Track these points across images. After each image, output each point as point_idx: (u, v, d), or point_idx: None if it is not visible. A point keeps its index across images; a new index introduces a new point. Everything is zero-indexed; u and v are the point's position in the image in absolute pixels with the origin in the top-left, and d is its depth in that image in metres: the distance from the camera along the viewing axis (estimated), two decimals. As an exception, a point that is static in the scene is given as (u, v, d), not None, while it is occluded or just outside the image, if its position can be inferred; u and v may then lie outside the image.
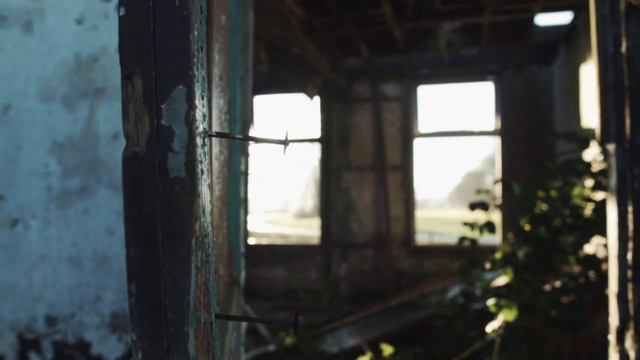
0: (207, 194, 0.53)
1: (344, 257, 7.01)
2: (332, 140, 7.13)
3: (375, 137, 6.99)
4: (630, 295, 1.37)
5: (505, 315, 2.33)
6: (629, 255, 1.37)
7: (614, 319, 1.45)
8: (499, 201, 6.37)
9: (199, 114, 0.49)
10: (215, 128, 0.98)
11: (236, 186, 1.40)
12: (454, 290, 5.32)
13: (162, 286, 0.44)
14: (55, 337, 1.68)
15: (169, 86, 0.45)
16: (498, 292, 3.18)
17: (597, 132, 1.49)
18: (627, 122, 1.39)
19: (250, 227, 7.72)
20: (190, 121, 0.45)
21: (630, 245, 1.37)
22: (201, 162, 0.50)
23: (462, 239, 3.66)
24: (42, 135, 1.72)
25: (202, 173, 0.49)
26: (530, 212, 3.10)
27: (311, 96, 6.62)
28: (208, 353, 0.49)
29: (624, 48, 1.40)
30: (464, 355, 2.82)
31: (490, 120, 6.86)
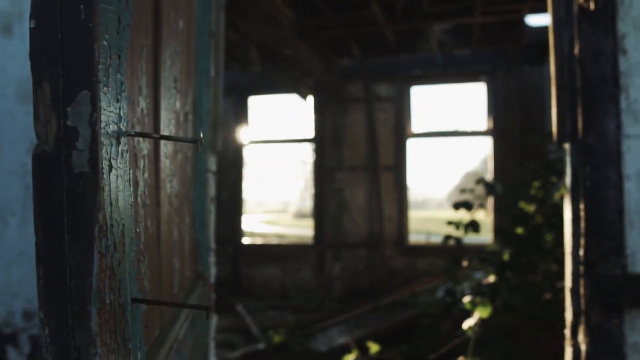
0: (122, 188, 0.58)
1: (338, 256, 7.06)
2: (325, 141, 7.18)
3: (368, 137, 7.03)
4: (582, 291, 1.42)
5: (480, 313, 2.38)
6: (581, 252, 1.42)
7: (568, 314, 1.50)
8: (490, 200, 6.42)
9: (109, 115, 0.54)
10: (168, 129, 1.03)
11: (202, 185, 1.45)
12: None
13: (67, 270, 0.49)
14: (32, 331, 1.73)
15: (74, 91, 0.50)
16: (479, 291, 3.23)
17: (554, 131, 1.54)
18: (580, 122, 1.44)
19: (246, 227, 7.78)
20: (94, 122, 0.50)
21: (582, 242, 1.42)
22: (112, 158, 0.55)
23: (447, 237, 3.71)
24: (20, 136, 1.78)
25: (112, 169, 0.54)
26: (510, 211, 3.15)
27: (304, 97, 6.67)
28: (116, 332, 0.54)
29: (576, 50, 1.44)
30: (442, 351, 2.87)
31: (483, 120, 6.93)
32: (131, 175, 0.64)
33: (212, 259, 1.62)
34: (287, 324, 5.09)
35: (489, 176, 6.80)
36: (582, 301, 1.41)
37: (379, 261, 6.88)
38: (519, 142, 6.56)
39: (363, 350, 4.23)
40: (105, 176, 0.52)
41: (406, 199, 7.11)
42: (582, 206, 1.42)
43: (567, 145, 1.50)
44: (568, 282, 1.50)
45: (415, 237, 9.16)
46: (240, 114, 7.45)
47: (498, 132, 6.71)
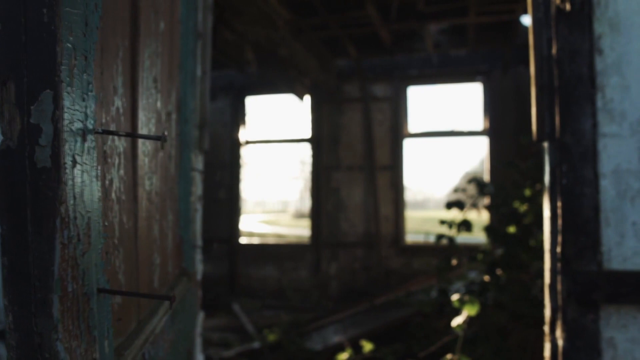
0: (89, 182, 0.61)
1: (334, 256, 7.09)
2: (322, 141, 7.21)
3: (365, 137, 7.06)
4: (559, 287, 1.44)
5: (468, 311, 2.41)
6: (558, 249, 1.44)
7: (547, 310, 1.53)
8: (487, 200, 6.44)
9: (73, 113, 0.57)
10: (147, 127, 1.05)
11: (187, 183, 1.48)
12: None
13: (31, 259, 0.52)
14: (23, 327, 1.76)
15: (37, 90, 0.53)
16: (470, 289, 3.26)
17: (534, 130, 1.56)
18: (557, 121, 1.46)
19: (243, 226, 7.81)
20: (56, 120, 0.53)
21: (559, 239, 1.44)
22: (77, 154, 0.57)
23: (440, 237, 3.74)
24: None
25: (76, 164, 0.57)
26: (500, 211, 3.17)
27: (301, 97, 6.70)
28: (79, 319, 0.56)
29: (554, 50, 1.47)
30: (432, 350, 2.90)
31: (479, 120, 6.97)
32: (99, 171, 0.67)
33: (198, 256, 1.64)
34: (283, 323, 5.12)
35: (486, 176, 6.83)
36: (559, 297, 1.44)
37: (375, 261, 6.91)
38: (514, 141, 6.58)
39: (357, 349, 4.25)
40: (68, 171, 0.55)
41: (403, 198, 7.14)
42: (559, 204, 1.45)
43: (545, 144, 1.53)
44: (547, 278, 1.52)
45: (415, 237, 9.18)
46: (237, 114, 7.48)
47: (494, 131, 6.74)
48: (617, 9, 1.42)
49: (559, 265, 1.44)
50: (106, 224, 0.73)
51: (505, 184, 3.79)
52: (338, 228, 7.13)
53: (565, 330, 1.42)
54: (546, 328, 1.54)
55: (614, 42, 1.42)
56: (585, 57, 1.44)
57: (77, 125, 0.58)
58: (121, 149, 0.87)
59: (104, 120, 0.77)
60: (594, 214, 1.41)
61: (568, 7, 1.42)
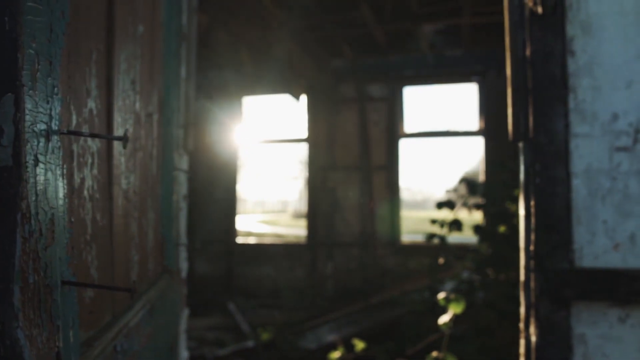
0: (53, 180, 0.65)
1: (330, 256, 7.12)
2: (318, 141, 7.24)
3: (360, 137, 7.10)
4: (532, 284, 1.48)
5: (454, 309, 2.44)
6: (532, 247, 1.48)
7: (522, 307, 1.56)
8: (479, 200, 6.47)
9: (36, 115, 0.60)
10: (124, 128, 1.09)
11: (169, 182, 1.51)
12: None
13: (-7, 252, 0.56)
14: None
15: (-1, 93, 0.56)
16: (459, 288, 3.29)
17: (510, 130, 1.60)
18: (531, 121, 1.50)
19: (240, 226, 7.84)
20: (17, 121, 0.56)
21: (533, 237, 1.48)
22: (39, 154, 0.61)
23: (431, 236, 3.77)
24: None
25: (39, 163, 0.60)
26: (490, 210, 3.21)
27: (297, 97, 6.74)
28: (40, 309, 0.60)
29: (528, 52, 1.51)
30: (418, 348, 2.93)
31: (475, 120, 6.99)
32: (65, 170, 0.70)
33: (182, 255, 1.68)
34: (278, 322, 5.16)
35: (482, 176, 6.85)
36: (532, 294, 1.47)
37: (371, 260, 6.94)
38: (509, 142, 6.62)
39: (351, 348, 4.29)
40: (30, 169, 0.58)
41: (398, 198, 7.17)
42: (532, 202, 1.48)
43: (520, 144, 1.56)
44: (521, 276, 1.56)
45: (414, 237, 9.21)
46: (234, 114, 7.52)
47: (489, 132, 6.77)
48: (589, 11, 1.46)
49: (532, 262, 1.48)
50: (72, 220, 0.77)
51: (496, 184, 3.83)
52: (334, 228, 7.16)
53: (538, 326, 1.45)
54: (521, 325, 1.57)
55: (585, 44, 1.46)
56: (558, 58, 1.47)
57: (41, 126, 0.61)
58: (94, 149, 0.91)
59: (75, 122, 0.81)
60: (566, 213, 1.44)
61: (540, 10, 1.45)
